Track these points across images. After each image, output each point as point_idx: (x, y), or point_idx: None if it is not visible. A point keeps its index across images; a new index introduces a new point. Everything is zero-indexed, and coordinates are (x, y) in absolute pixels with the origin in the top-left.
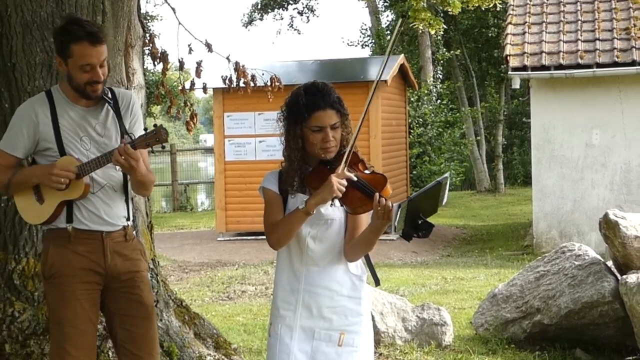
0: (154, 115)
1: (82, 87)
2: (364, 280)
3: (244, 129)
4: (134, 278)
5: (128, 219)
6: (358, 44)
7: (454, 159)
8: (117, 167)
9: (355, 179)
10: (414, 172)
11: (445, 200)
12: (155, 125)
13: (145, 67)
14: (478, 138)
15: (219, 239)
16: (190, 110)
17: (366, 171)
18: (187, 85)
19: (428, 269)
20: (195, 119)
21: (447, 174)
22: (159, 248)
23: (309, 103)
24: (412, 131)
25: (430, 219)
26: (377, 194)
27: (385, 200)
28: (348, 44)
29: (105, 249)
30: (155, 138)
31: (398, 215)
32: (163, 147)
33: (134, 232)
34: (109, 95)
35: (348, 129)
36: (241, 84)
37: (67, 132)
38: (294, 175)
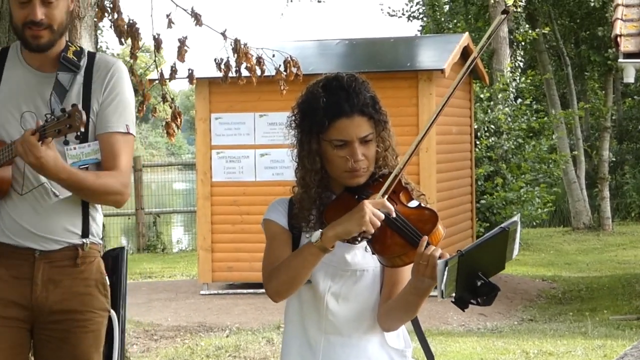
0: None
1: (19, 31)
2: (409, 357)
3: (239, 136)
4: (71, 320)
5: (85, 236)
6: (403, 15)
7: (539, 182)
8: (71, 162)
9: (394, 215)
10: (482, 200)
11: (515, 253)
12: (72, 106)
13: (99, 46)
14: (575, 153)
15: (202, 292)
16: (171, 107)
17: (411, 204)
18: (166, 72)
19: (502, 339)
20: (179, 120)
21: (516, 217)
22: None
23: (328, 106)
24: (479, 142)
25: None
26: (424, 241)
27: (431, 251)
28: (389, 14)
29: (36, 275)
30: (67, 124)
31: (445, 276)
32: (78, 137)
33: (96, 256)
34: (82, 62)
35: (386, 142)
36: (243, 70)
37: (4, 103)
38: (310, 206)
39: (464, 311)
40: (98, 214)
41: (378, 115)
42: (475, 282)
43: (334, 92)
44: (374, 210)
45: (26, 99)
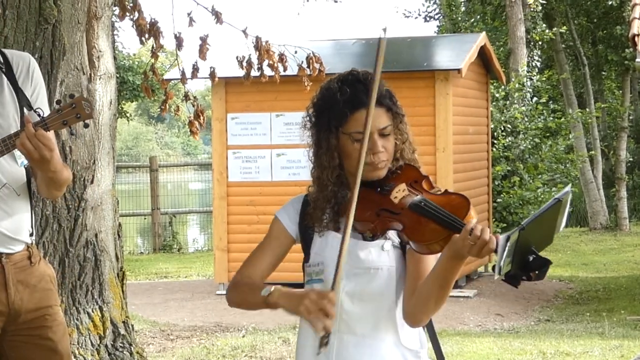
0: (128, 115)
1: None
2: (423, 358)
3: (256, 136)
4: (44, 316)
5: (32, 234)
6: (419, 15)
7: (556, 181)
8: (21, 160)
9: (421, 202)
10: (499, 199)
11: (563, 225)
12: (71, 96)
13: (116, 46)
14: (592, 153)
15: (218, 292)
16: (194, 105)
17: (435, 191)
18: (187, 71)
19: (519, 339)
20: (201, 118)
21: (568, 188)
22: (133, 305)
23: (347, 99)
24: (496, 142)
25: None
26: (470, 223)
27: (482, 230)
28: (405, 15)
29: (7, 278)
30: (75, 114)
31: (506, 251)
32: (86, 126)
33: (39, 253)
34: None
35: (404, 135)
36: (265, 68)
37: None
38: (325, 205)
39: (517, 287)
40: (34, 213)
41: (395, 108)
42: (527, 257)
43: (352, 84)
44: (319, 302)
45: None
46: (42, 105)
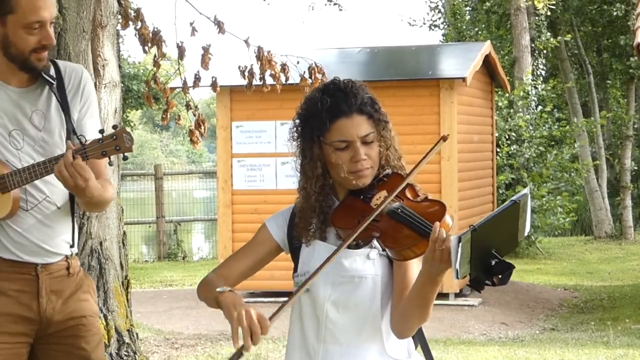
0: (132, 123)
1: (24, 56)
2: None
3: (260, 144)
4: (77, 326)
5: (72, 246)
6: (424, 24)
7: (561, 190)
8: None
9: (398, 209)
10: None
11: (527, 229)
12: (114, 127)
13: (121, 55)
14: (597, 162)
15: None
16: (195, 114)
17: (417, 198)
18: (189, 80)
19: (523, 348)
20: (202, 127)
21: (525, 190)
22: (138, 313)
23: (327, 108)
24: (500, 150)
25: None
26: (436, 226)
27: (445, 234)
28: (410, 23)
29: (40, 287)
30: (115, 145)
31: (459, 253)
32: (125, 158)
33: (78, 264)
34: (51, 71)
35: (387, 142)
36: (267, 78)
37: None
38: (310, 215)
39: (479, 292)
40: (77, 226)
41: (377, 115)
42: (490, 261)
43: (332, 94)
44: (252, 322)
45: (10, 117)
46: (88, 125)
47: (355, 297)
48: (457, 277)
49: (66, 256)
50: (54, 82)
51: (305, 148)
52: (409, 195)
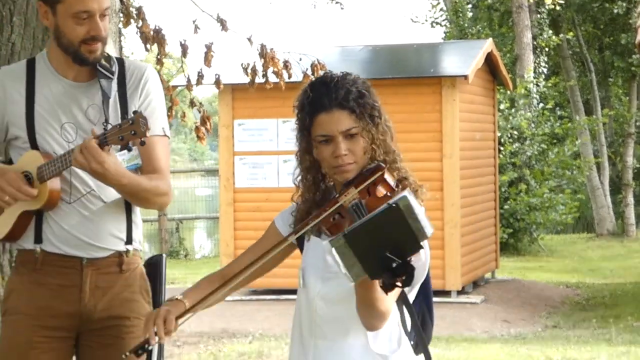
0: None
1: (74, 47)
2: None
3: (263, 142)
4: (118, 326)
5: (129, 242)
6: (426, 21)
7: (563, 188)
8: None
9: (354, 206)
10: (506, 206)
11: (428, 230)
12: (134, 112)
13: (122, 52)
14: (598, 159)
15: (226, 298)
16: (200, 111)
17: (380, 194)
18: (192, 78)
19: (526, 345)
20: (208, 124)
21: (404, 193)
22: None
23: (310, 103)
24: (503, 148)
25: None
26: None
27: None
28: (412, 20)
29: (84, 282)
30: (131, 130)
31: (338, 258)
32: (143, 143)
33: (138, 262)
34: (114, 68)
35: (372, 136)
36: (270, 75)
37: (43, 115)
38: (306, 208)
39: (387, 294)
40: (139, 220)
41: (362, 109)
42: (391, 263)
43: (317, 88)
44: (159, 322)
45: (64, 110)
46: (153, 115)
47: (342, 292)
48: (352, 280)
49: (119, 252)
50: (113, 77)
51: (298, 141)
52: (382, 189)
